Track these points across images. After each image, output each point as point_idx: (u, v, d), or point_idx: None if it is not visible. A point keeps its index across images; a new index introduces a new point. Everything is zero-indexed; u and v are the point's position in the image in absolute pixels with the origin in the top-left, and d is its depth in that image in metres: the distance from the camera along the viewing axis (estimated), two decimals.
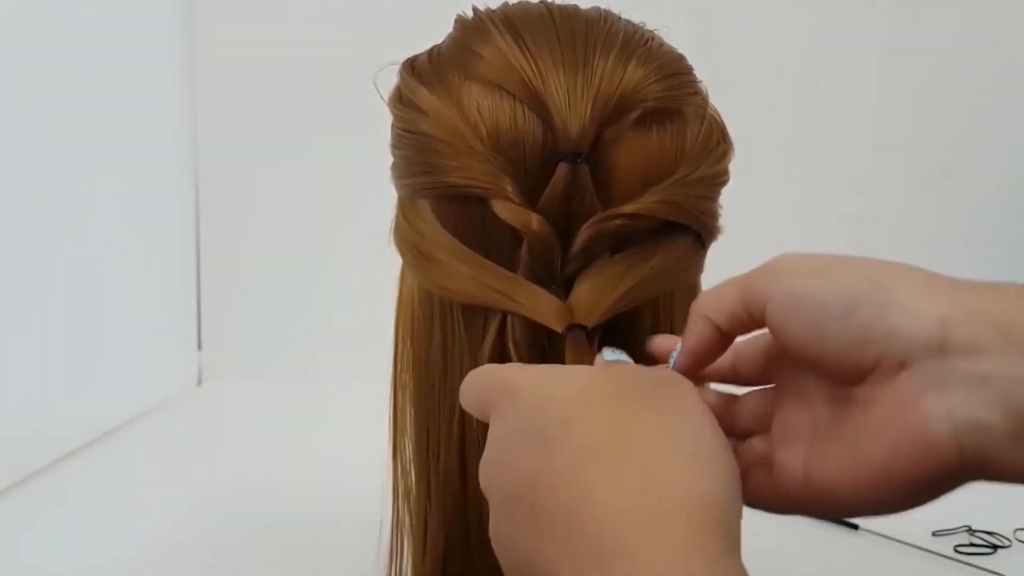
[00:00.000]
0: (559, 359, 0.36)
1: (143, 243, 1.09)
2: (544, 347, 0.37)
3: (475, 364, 0.38)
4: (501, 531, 0.28)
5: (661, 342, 0.36)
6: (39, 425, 0.88)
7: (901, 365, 0.27)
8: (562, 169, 0.37)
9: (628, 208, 0.37)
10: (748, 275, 0.32)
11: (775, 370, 0.34)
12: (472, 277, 0.38)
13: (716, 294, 0.33)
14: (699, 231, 0.40)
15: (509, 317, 0.38)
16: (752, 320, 0.32)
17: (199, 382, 1.22)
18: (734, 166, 0.42)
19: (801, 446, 0.31)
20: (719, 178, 0.41)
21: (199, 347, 1.23)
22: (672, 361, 0.35)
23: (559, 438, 0.27)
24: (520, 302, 0.37)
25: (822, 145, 1.19)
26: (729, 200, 0.42)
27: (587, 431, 0.27)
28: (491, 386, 0.31)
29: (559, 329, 0.36)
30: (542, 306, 0.36)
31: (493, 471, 0.30)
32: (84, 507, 0.80)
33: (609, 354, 0.34)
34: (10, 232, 0.83)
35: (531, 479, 0.27)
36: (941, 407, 0.26)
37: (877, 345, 0.27)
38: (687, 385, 0.31)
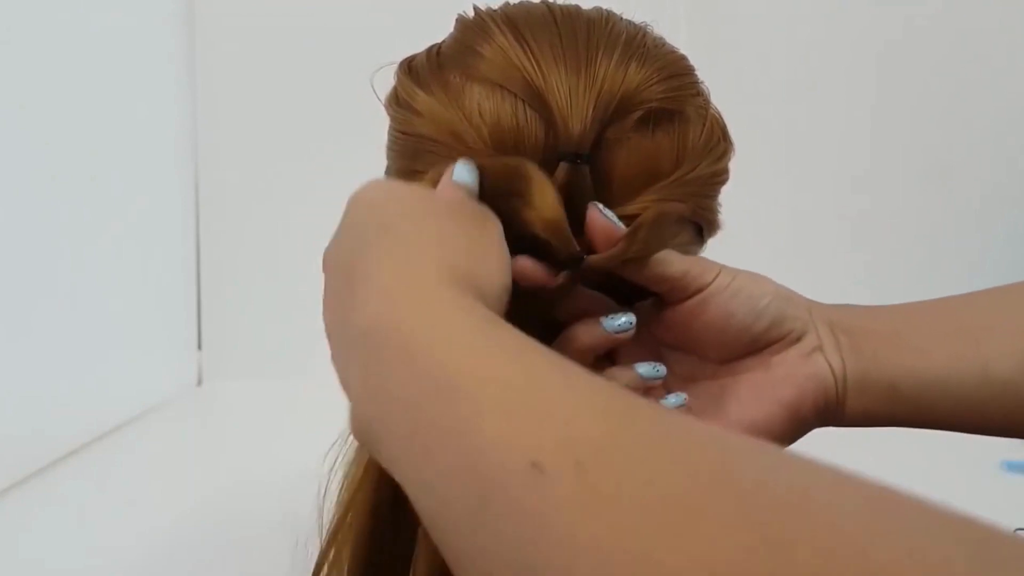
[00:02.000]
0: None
1: (143, 243, 1.09)
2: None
3: None
4: (325, 301, 0.37)
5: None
6: (39, 425, 0.88)
7: (798, 339, 0.39)
8: (563, 169, 0.37)
9: (631, 209, 0.37)
10: (690, 260, 0.40)
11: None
12: None
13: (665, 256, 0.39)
14: (699, 223, 0.40)
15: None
16: (674, 294, 0.39)
17: (199, 382, 1.22)
18: (734, 165, 0.42)
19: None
20: (718, 176, 0.41)
21: (199, 347, 1.23)
22: (615, 322, 0.38)
23: (390, 229, 0.33)
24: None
25: (822, 145, 1.19)
26: (729, 200, 0.42)
27: (396, 222, 0.33)
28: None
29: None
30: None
31: (333, 249, 0.38)
32: (84, 507, 0.80)
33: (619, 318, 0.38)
34: (10, 232, 0.83)
35: (358, 256, 0.33)
36: (821, 358, 0.39)
37: (789, 323, 0.39)
38: (493, 217, 0.35)
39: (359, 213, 0.36)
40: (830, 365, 0.38)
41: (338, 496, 0.45)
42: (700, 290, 0.38)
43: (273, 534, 0.75)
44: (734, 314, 0.38)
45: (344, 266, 0.34)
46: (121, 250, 1.03)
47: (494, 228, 0.35)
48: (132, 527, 0.75)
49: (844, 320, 0.40)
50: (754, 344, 0.39)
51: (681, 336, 0.40)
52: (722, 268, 0.39)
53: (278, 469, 0.88)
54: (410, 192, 0.35)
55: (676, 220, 0.39)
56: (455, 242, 0.32)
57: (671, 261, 0.38)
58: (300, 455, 0.91)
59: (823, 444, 0.34)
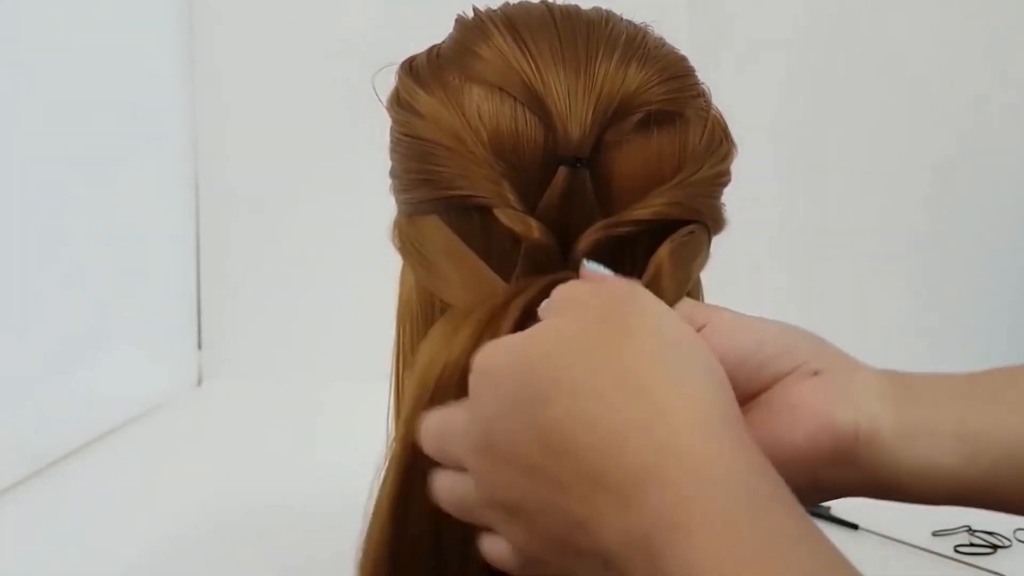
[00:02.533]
0: None
1: (143, 243, 1.09)
2: None
3: None
4: (525, 508, 0.29)
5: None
6: (39, 425, 0.88)
7: (816, 372, 0.34)
8: (562, 173, 0.36)
9: (638, 213, 0.37)
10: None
11: None
12: (464, 286, 0.38)
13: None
14: (706, 223, 0.40)
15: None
16: None
17: (199, 382, 1.22)
18: (735, 165, 0.42)
19: None
20: (721, 178, 0.41)
21: (199, 347, 1.23)
22: None
23: (553, 394, 0.28)
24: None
25: (822, 145, 1.19)
26: (729, 200, 0.42)
27: (576, 378, 0.28)
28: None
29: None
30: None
31: (494, 452, 0.30)
32: (84, 507, 0.80)
33: (591, 266, 0.36)
34: (10, 233, 0.83)
35: (540, 441, 0.28)
36: (848, 400, 0.33)
37: (800, 355, 0.35)
38: (646, 296, 0.32)
39: (502, 390, 0.30)
40: (855, 403, 0.33)
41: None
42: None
43: (273, 534, 0.75)
44: (735, 347, 0.35)
45: (538, 468, 0.28)
46: (121, 250, 1.03)
47: (658, 304, 0.32)
48: (132, 527, 0.75)
49: (901, 377, 0.34)
50: (759, 377, 0.35)
51: None
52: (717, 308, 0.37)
53: (278, 469, 0.88)
54: (566, 331, 0.30)
55: (689, 243, 0.38)
56: (680, 361, 0.29)
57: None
58: (300, 455, 0.91)
59: None
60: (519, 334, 0.31)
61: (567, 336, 0.30)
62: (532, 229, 0.36)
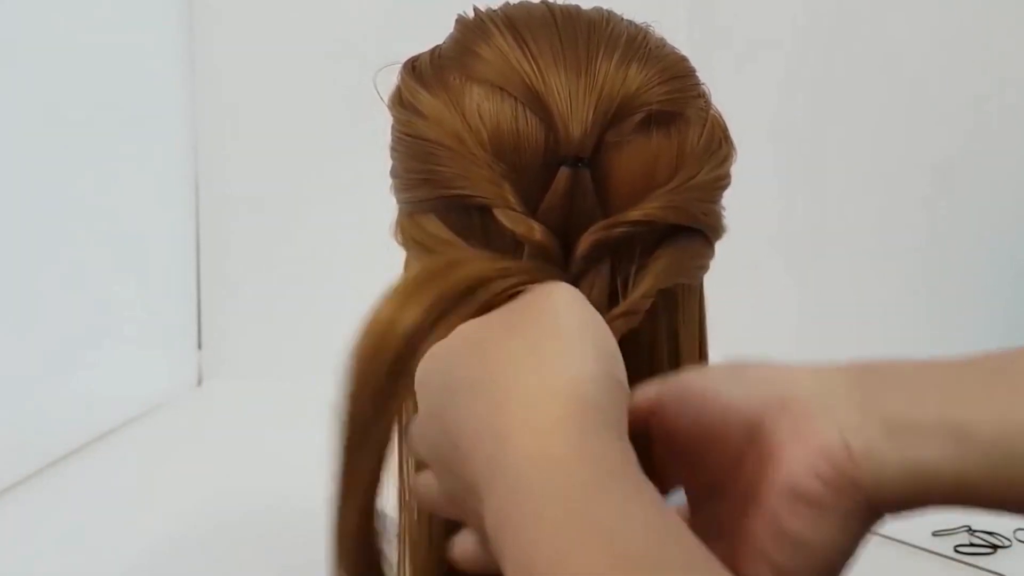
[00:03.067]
0: None
1: (143, 243, 1.09)
2: None
3: None
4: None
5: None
6: (39, 425, 0.88)
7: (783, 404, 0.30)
8: (563, 173, 0.36)
9: (633, 215, 0.37)
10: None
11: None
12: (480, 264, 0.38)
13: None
14: (704, 231, 0.40)
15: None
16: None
17: (199, 382, 1.22)
18: (735, 166, 0.42)
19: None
20: (721, 181, 0.40)
21: (199, 347, 1.23)
22: None
23: (449, 397, 0.31)
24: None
25: (823, 146, 1.19)
26: (729, 201, 0.42)
27: (463, 380, 0.31)
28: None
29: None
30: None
31: (433, 454, 0.32)
32: (84, 507, 0.80)
33: None
34: (10, 233, 0.83)
35: (448, 445, 0.31)
36: (831, 424, 0.28)
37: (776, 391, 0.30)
38: (559, 289, 0.33)
39: (433, 382, 0.32)
40: (839, 426, 0.28)
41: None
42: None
43: (273, 534, 0.75)
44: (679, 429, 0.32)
45: (446, 434, 0.31)
46: (121, 250, 1.03)
47: (564, 300, 0.32)
48: (132, 527, 0.75)
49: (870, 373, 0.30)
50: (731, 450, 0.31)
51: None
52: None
53: (278, 469, 0.88)
54: (468, 333, 0.32)
55: (673, 271, 0.38)
56: (556, 347, 0.30)
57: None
58: (300, 455, 0.91)
59: None
60: (442, 341, 0.33)
61: (469, 339, 0.32)
62: (534, 230, 0.36)
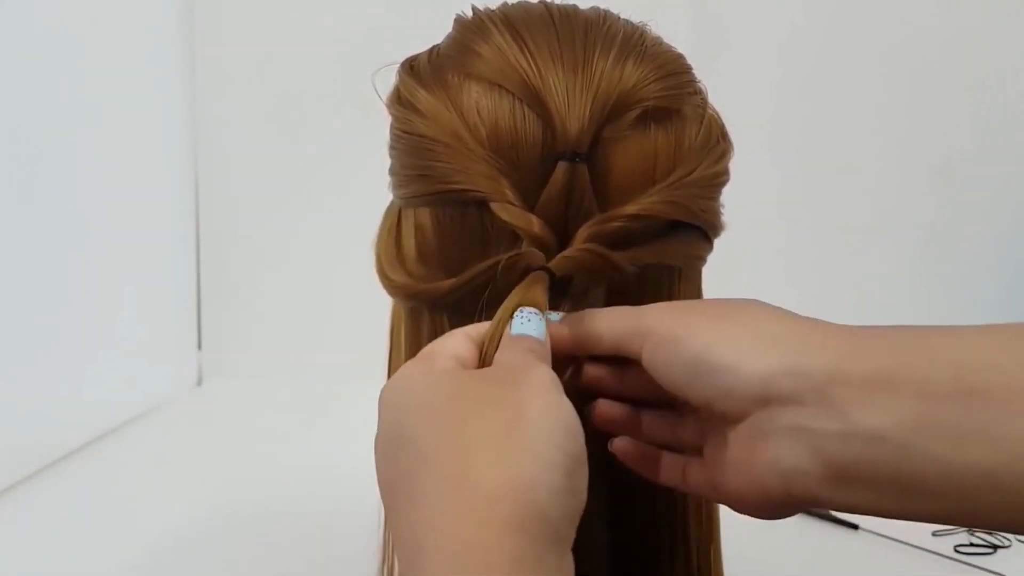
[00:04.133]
0: None
1: (143, 243, 1.09)
2: None
3: None
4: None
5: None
6: (39, 425, 0.89)
7: (740, 417, 0.31)
8: (561, 169, 0.37)
9: (629, 209, 0.37)
10: (636, 323, 0.35)
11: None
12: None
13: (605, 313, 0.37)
14: (703, 227, 0.40)
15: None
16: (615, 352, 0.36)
17: (199, 382, 1.22)
18: (733, 166, 0.42)
19: (697, 462, 0.36)
20: (719, 178, 0.41)
21: (199, 347, 1.23)
22: (544, 317, 0.36)
23: (403, 448, 0.30)
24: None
25: (823, 146, 1.19)
26: (728, 200, 0.42)
27: (422, 440, 0.30)
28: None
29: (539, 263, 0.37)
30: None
31: (377, 469, 0.32)
32: (84, 507, 0.80)
33: (554, 316, 0.37)
34: (10, 233, 0.83)
35: (387, 484, 0.31)
36: (770, 455, 0.31)
37: (719, 403, 0.32)
38: (537, 376, 0.31)
39: (388, 423, 0.32)
40: (776, 459, 0.30)
41: None
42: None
43: (273, 533, 0.75)
44: (666, 369, 0.33)
45: (390, 488, 0.31)
46: (121, 250, 1.03)
47: (540, 387, 0.31)
48: (132, 527, 0.75)
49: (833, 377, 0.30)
50: (705, 415, 0.34)
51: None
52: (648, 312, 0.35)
53: (278, 469, 0.88)
54: (436, 392, 0.31)
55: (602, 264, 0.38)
56: (519, 443, 0.28)
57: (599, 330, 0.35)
58: (300, 455, 0.91)
59: None
60: (414, 370, 0.33)
61: (439, 395, 0.31)
62: (532, 223, 0.36)
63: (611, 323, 0.35)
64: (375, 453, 0.32)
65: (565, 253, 0.37)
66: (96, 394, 0.99)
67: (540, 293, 0.36)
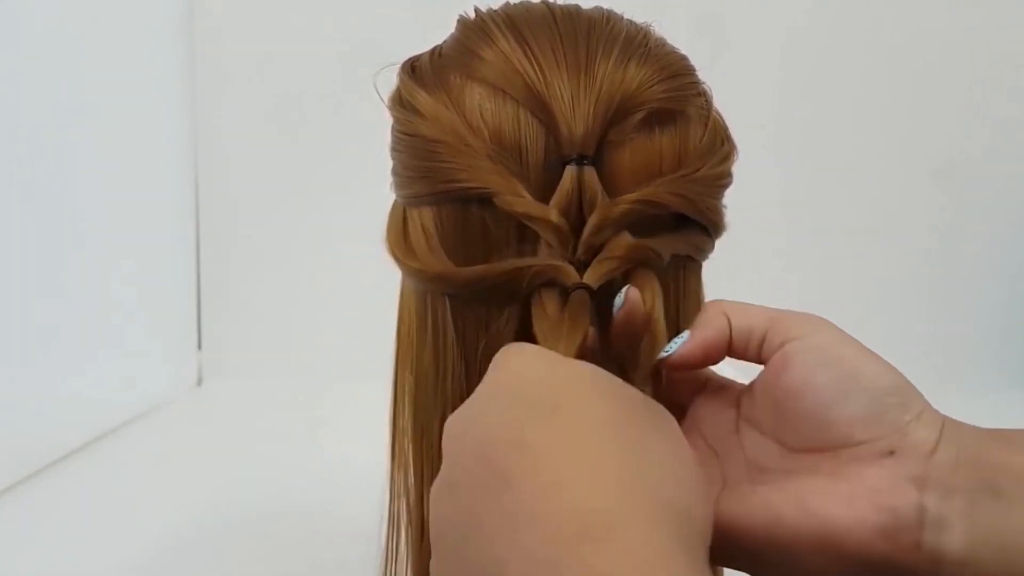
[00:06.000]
0: None
1: (143, 243, 1.09)
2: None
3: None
4: (451, 491, 0.27)
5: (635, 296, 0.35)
6: (39, 425, 0.88)
7: (891, 453, 0.31)
8: (569, 172, 0.36)
9: (635, 195, 0.37)
10: (782, 311, 0.35)
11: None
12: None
13: (743, 305, 0.36)
14: (706, 225, 0.40)
15: (506, 313, 0.38)
16: (755, 350, 0.35)
17: (199, 382, 1.22)
18: (735, 165, 0.42)
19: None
20: (723, 179, 0.41)
21: (199, 347, 1.23)
22: (673, 346, 0.36)
23: (561, 411, 0.27)
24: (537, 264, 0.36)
25: (823, 146, 1.19)
26: (729, 200, 0.42)
27: (591, 415, 0.28)
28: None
29: (571, 281, 0.36)
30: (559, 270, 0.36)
31: (470, 425, 0.29)
32: (84, 507, 0.80)
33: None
34: (10, 233, 0.83)
35: (516, 445, 0.26)
36: (916, 498, 0.30)
37: (886, 429, 0.31)
38: (671, 417, 0.32)
39: (517, 382, 0.29)
40: (923, 506, 0.29)
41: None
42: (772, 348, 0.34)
43: (274, 534, 0.75)
44: (815, 385, 0.32)
45: (496, 470, 0.26)
46: (121, 250, 1.03)
47: (677, 426, 0.30)
48: (132, 527, 0.75)
49: (989, 454, 0.30)
50: (827, 434, 0.32)
51: (756, 405, 0.35)
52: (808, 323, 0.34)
53: (278, 469, 0.88)
54: (575, 364, 0.30)
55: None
56: (681, 471, 0.27)
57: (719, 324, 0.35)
58: (300, 455, 0.91)
59: None
60: (478, 406, 0.30)
61: (597, 382, 0.30)
62: (548, 212, 0.36)
63: (742, 306, 0.36)
64: (485, 400, 0.29)
65: (600, 257, 0.36)
66: (96, 394, 0.99)
67: (585, 319, 0.35)
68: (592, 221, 0.36)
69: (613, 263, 0.36)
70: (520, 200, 0.36)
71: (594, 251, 0.36)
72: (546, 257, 0.36)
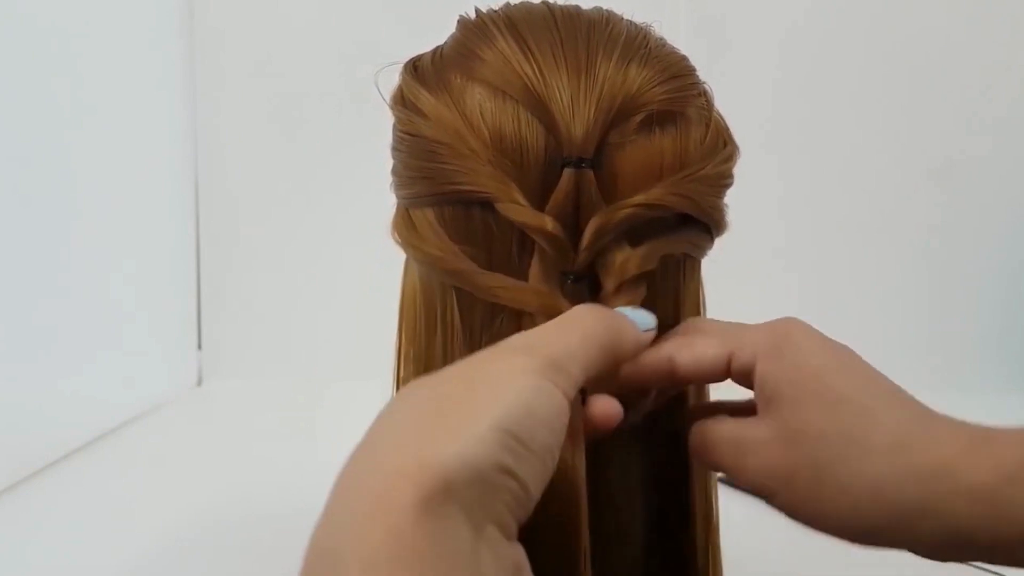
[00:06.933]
0: None
1: (143, 243, 1.09)
2: None
3: None
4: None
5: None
6: (39, 425, 0.88)
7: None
8: (568, 174, 0.36)
9: (637, 198, 0.37)
10: (753, 330, 0.38)
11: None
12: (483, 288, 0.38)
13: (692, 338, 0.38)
14: (708, 224, 0.40)
15: (507, 315, 0.38)
16: (732, 371, 0.37)
17: (199, 382, 1.22)
18: (736, 169, 0.42)
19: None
20: (724, 179, 0.40)
21: (199, 347, 1.23)
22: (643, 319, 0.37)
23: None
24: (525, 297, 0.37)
25: (823, 146, 1.19)
26: (729, 201, 0.42)
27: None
28: None
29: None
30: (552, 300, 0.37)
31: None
32: (84, 507, 0.80)
33: (628, 312, 0.36)
34: (10, 232, 0.83)
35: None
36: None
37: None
38: (510, 359, 0.30)
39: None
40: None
41: None
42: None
43: (273, 534, 0.75)
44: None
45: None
46: (121, 250, 1.03)
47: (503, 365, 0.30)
48: (132, 527, 0.75)
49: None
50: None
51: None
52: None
53: (278, 469, 0.88)
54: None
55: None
56: (444, 410, 0.28)
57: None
58: (300, 455, 0.91)
59: None
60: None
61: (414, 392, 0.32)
62: (545, 222, 0.36)
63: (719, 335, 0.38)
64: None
65: (611, 277, 0.37)
66: (96, 394, 0.99)
67: None
68: (592, 225, 0.36)
69: (629, 286, 0.37)
70: (517, 208, 0.36)
71: (594, 255, 0.37)
72: (539, 281, 0.37)
